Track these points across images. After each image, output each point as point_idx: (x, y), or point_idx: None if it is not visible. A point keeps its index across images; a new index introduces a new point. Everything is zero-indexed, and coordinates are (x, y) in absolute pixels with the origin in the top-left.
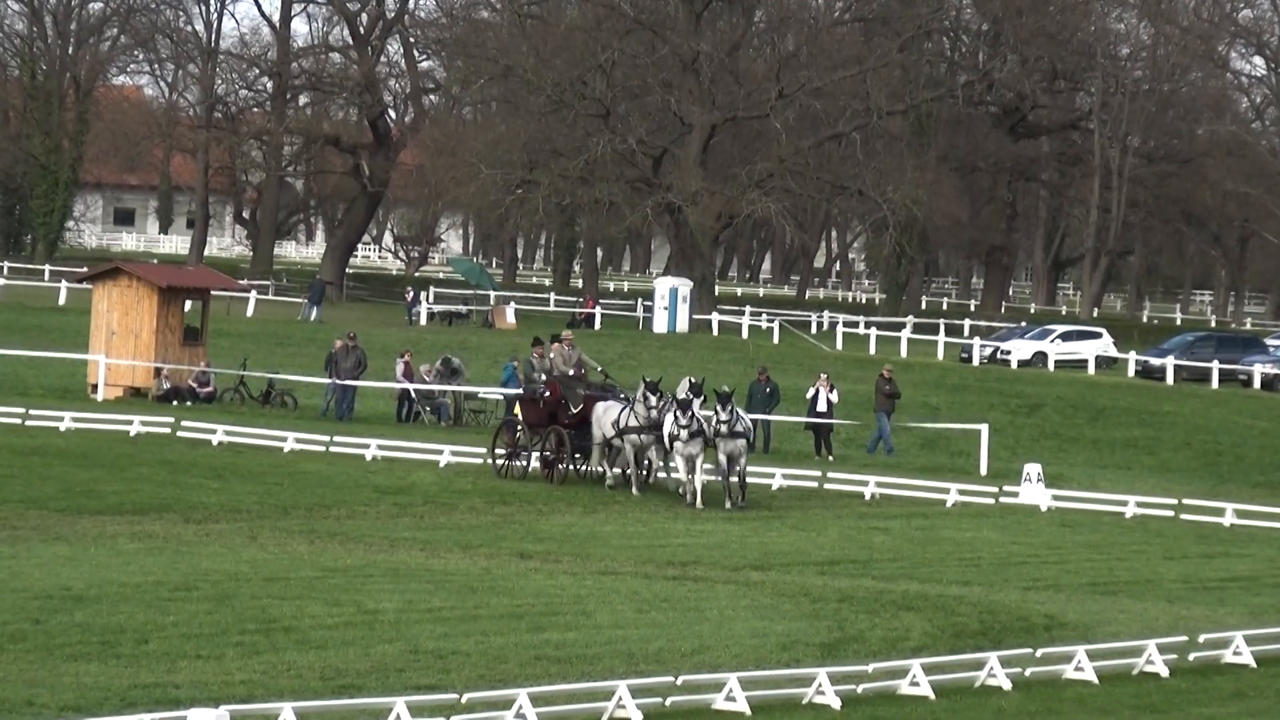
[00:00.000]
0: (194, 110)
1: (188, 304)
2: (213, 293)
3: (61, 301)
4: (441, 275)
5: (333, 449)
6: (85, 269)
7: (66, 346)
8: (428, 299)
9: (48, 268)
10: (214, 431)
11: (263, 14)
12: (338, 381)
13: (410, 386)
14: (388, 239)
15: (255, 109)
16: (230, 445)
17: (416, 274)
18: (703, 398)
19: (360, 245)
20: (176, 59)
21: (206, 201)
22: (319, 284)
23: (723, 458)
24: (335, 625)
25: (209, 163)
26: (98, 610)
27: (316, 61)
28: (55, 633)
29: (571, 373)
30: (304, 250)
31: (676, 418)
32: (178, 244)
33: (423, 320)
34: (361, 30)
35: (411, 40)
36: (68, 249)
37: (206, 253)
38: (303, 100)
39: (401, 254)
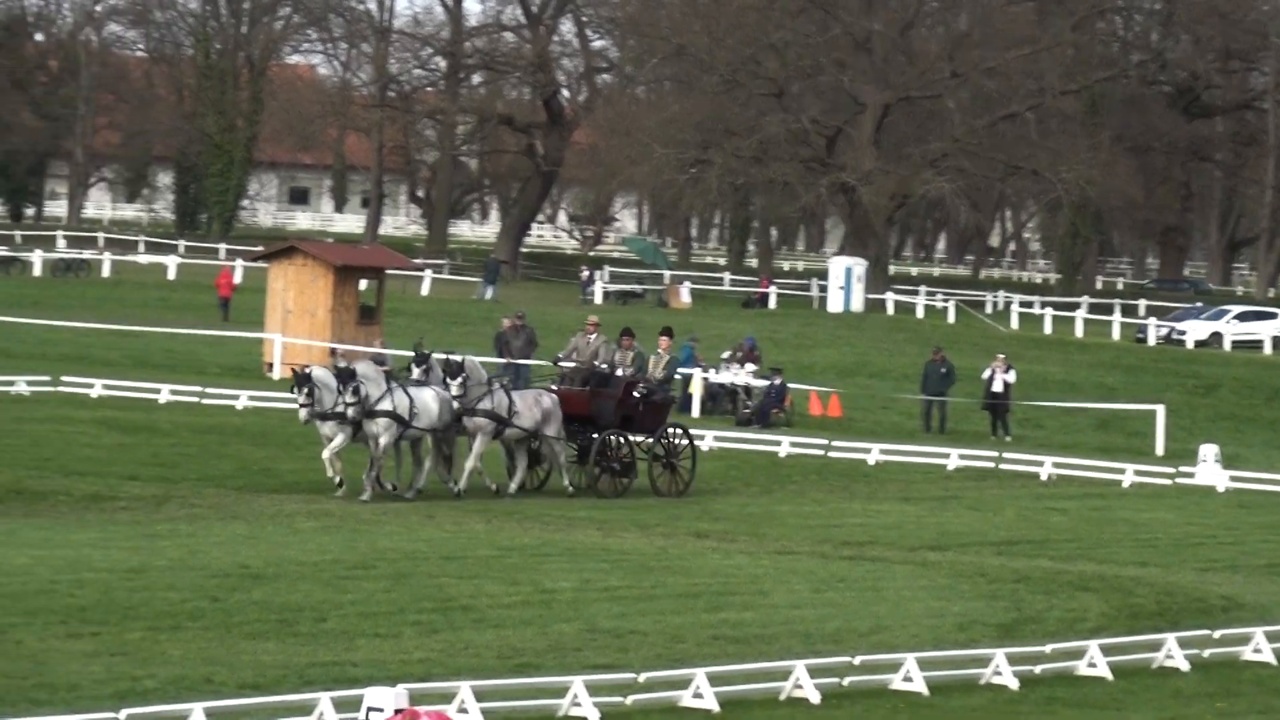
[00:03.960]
0: (367, 89)
1: (363, 283)
2: (388, 272)
3: (237, 280)
4: (616, 254)
5: None
6: (260, 248)
7: (242, 325)
8: (603, 278)
9: (223, 246)
10: None
11: None
12: (510, 361)
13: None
14: (562, 218)
15: (429, 88)
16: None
17: (591, 253)
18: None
19: (534, 224)
20: (350, 38)
21: (381, 180)
22: (494, 263)
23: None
24: (512, 604)
25: (383, 142)
26: (276, 588)
27: (490, 40)
28: (233, 611)
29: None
30: (478, 229)
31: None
32: (352, 223)
33: (597, 299)
34: (535, 9)
35: (584, 19)
36: (243, 228)
37: (381, 232)
38: (476, 79)
39: (576, 233)
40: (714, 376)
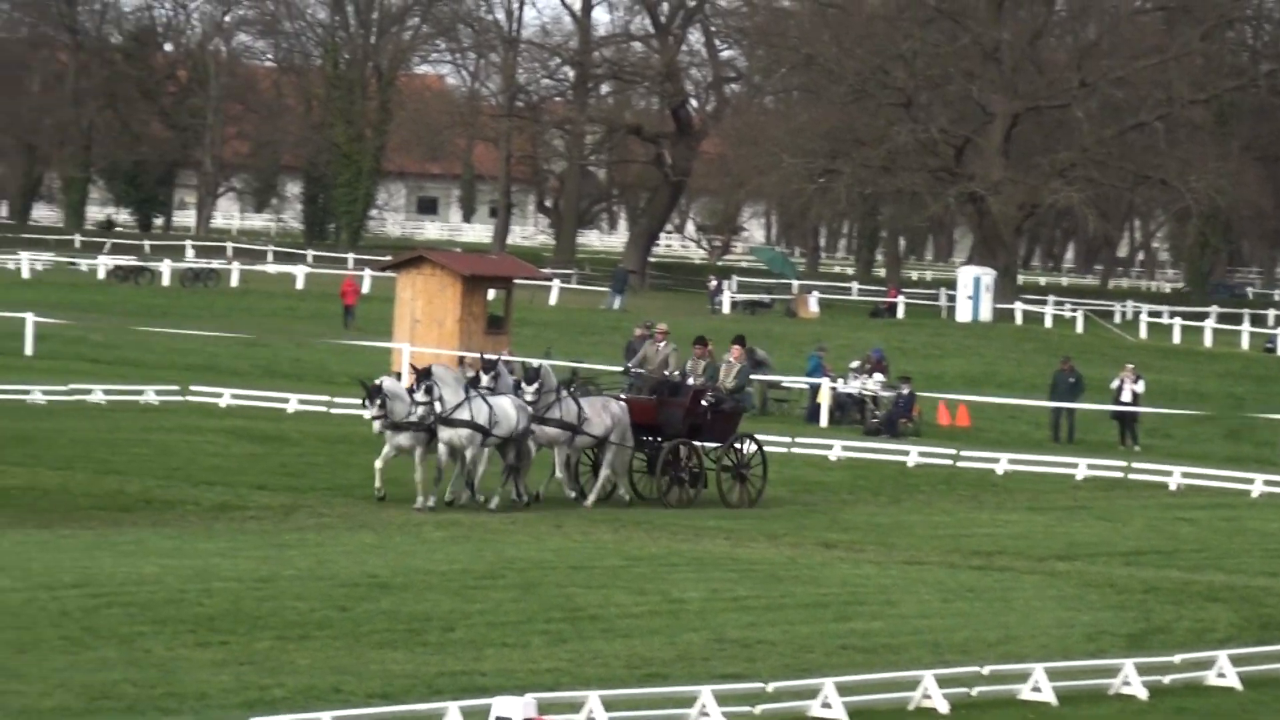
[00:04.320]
0: (496, 99)
1: (491, 293)
2: (516, 281)
3: (366, 290)
4: (744, 264)
5: None
6: (389, 257)
7: (371, 334)
8: (731, 288)
9: (351, 256)
10: None
11: (564, 2)
12: (633, 369)
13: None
14: (690, 228)
15: (557, 98)
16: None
17: (719, 262)
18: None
19: (663, 234)
20: (478, 48)
21: (509, 190)
22: (622, 272)
23: (441, 448)
24: (641, 614)
25: (511, 151)
26: (404, 598)
27: (618, 50)
28: (362, 620)
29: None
30: (607, 239)
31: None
32: (480, 233)
33: (726, 309)
34: (663, 19)
35: (713, 29)
36: (371, 237)
37: (509, 241)
38: (604, 89)
39: (704, 242)
40: (842, 386)
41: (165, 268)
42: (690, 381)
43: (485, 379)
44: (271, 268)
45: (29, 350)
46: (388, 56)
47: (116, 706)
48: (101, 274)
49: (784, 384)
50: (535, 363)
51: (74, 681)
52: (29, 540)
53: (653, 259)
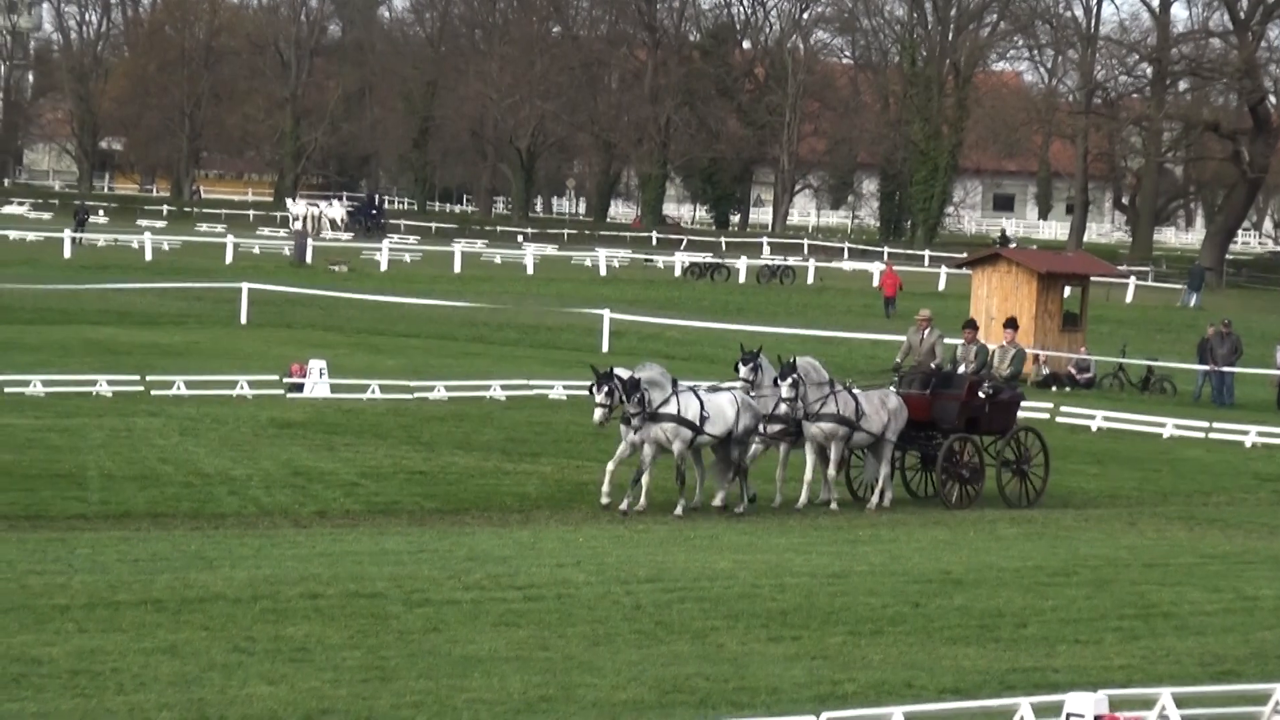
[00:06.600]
0: (1073, 96)
1: (1066, 290)
2: (1092, 279)
3: (941, 287)
4: None
5: (1211, 435)
6: (964, 254)
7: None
8: None
9: (927, 253)
10: (1093, 417)
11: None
12: (1213, 368)
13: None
14: (1268, 225)
15: (1134, 95)
16: (1109, 431)
17: None
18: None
19: (1240, 231)
20: (1055, 45)
21: (1085, 187)
22: (1198, 270)
23: (647, 448)
24: (1214, 611)
25: (1088, 149)
26: (976, 594)
27: (1196, 47)
28: (934, 616)
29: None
30: (1183, 236)
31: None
32: (1056, 230)
33: None
34: (1242, 15)
35: None
36: (947, 234)
37: (1085, 238)
38: (1182, 86)
39: None
40: None
41: (741, 264)
42: (962, 370)
43: (744, 370)
44: (847, 265)
45: (605, 346)
46: (965, 53)
47: (689, 700)
48: (678, 271)
49: None
50: (790, 359)
51: (647, 675)
52: (604, 535)
53: (1230, 256)
